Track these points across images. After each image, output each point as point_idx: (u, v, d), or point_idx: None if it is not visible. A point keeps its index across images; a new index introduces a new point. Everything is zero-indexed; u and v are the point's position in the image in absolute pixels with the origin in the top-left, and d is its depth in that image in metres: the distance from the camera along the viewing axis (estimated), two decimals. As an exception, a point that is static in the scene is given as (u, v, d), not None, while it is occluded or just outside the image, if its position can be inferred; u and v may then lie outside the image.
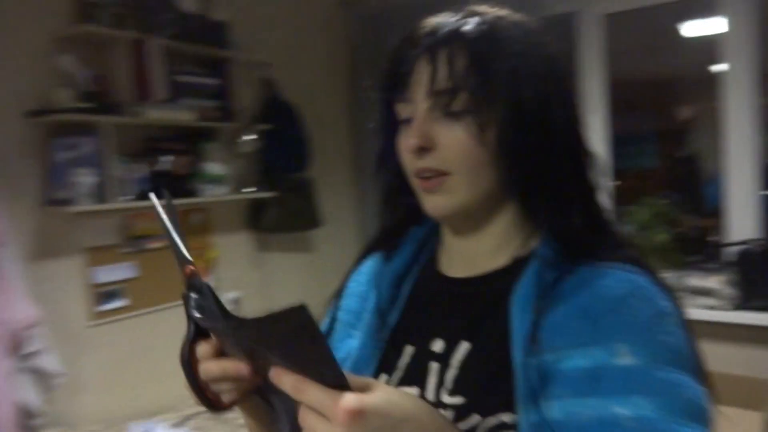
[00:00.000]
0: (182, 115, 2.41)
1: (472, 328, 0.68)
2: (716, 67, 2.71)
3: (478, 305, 0.70)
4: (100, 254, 2.35)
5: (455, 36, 0.65)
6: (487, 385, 0.63)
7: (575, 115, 0.68)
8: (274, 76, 2.94)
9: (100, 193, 2.17)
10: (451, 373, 0.67)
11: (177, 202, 2.43)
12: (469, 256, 0.73)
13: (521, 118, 0.64)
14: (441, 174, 0.65)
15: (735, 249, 2.47)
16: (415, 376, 0.69)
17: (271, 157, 2.88)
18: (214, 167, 2.56)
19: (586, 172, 0.68)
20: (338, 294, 0.84)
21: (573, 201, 0.66)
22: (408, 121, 0.68)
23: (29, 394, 2.09)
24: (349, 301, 0.82)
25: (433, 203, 0.68)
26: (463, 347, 0.67)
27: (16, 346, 2.01)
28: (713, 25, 3.04)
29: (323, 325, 0.82)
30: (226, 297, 2.90)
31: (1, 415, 1.95)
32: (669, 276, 2.61)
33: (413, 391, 0.67)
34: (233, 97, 2.66)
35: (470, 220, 0.70)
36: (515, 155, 0.65)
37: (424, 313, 0.74)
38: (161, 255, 2.54)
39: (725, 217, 2.61)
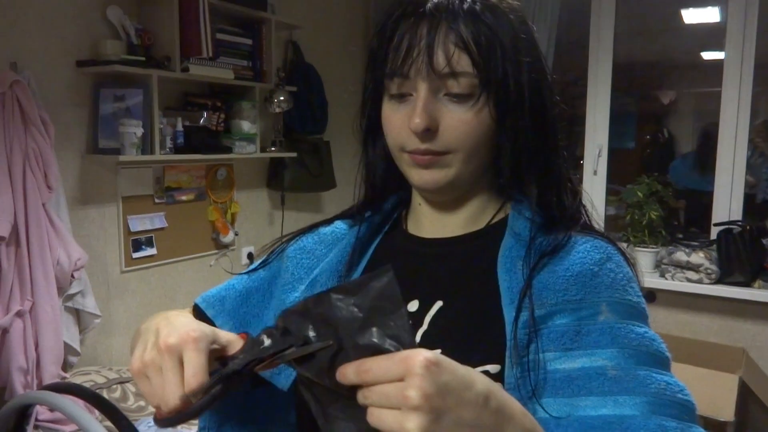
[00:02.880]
0: (223, 72, 2.48)
1: (445, 286, 0.69)
2: (709, 54, 2.88)
3: (451, 264, 0.71)
4: (136, 203, 2.44)
5: (456, 15, 0.64)
6: (464, 339, 0.65)
7: (556, 100, 0.72)
8: (300, 40, 3.01)
9: (143, 145, 2.24)
10: (420, 330, 0.67)
11: (208, 156, 2.56)
12: (442, 222, 0.75)
13: (520, 102, 0.67)
14: (440, 154, 0.67)
15: (719, 229, 2.71)
16: None
17: (293, 118, 2.97)
18: (245, 125, 2.64)
19: (563, 152, 0.73)
20: (288, 240, 0.82)
21: (555, 178, 0.71)
22: (401, 97, 0.68)
23: (69, 333, 2.19)
24: (301, 255, 0.79)
25: (428, 177, 0.68)
26: (436, 306, 0.68)
27: (64, 286, 2.11)
28: (710, 14, 3.24)
29: (253, 264, 0.82)
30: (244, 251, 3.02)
31: (48, 349, 2.05)
32: (660, 250, 2.85)
33: None
34: (265, 58, 2.73)
35: (454, 192, 0.72)
36: (513, 136, 0.68)
37: None
38: (187, 207, 2.64)
39: (714, 199, 2.85)
